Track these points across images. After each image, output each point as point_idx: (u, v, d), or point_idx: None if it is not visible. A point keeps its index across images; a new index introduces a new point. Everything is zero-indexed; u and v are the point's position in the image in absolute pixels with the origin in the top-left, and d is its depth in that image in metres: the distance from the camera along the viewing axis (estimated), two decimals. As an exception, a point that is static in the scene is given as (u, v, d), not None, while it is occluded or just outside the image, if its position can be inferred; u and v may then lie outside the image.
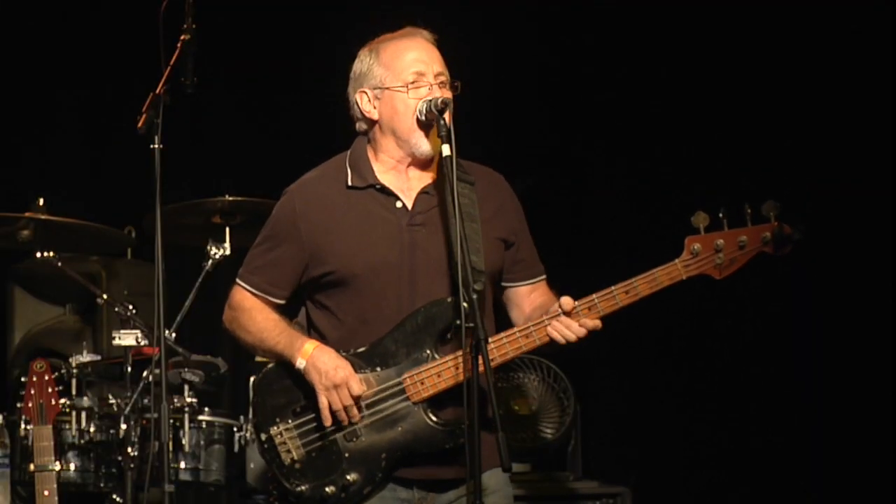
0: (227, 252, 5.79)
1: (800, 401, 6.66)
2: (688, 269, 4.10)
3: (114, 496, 5.59)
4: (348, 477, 4.05)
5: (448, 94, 4.10)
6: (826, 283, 6.56)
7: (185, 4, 4.28)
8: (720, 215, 4.11)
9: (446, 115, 3.99)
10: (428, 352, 4.06)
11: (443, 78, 4.12)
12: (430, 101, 4.05)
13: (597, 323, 4.05)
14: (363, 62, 4.19)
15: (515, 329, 4.11)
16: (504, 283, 4.26)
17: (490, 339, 4.03)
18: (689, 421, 6.87)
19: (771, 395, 6.73)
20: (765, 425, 6.75)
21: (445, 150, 3.94)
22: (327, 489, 4.06)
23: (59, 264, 5.80)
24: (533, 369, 6.07)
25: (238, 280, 4.24)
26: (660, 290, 4.09)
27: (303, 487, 4.08)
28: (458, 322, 3.92)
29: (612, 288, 4.08)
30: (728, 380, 6.80)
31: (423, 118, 4.08)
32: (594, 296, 4.07)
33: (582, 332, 4.04)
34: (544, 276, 4.30)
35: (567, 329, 4.04)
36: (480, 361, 3.82)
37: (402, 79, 4.11)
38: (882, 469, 6.45)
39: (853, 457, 6.52)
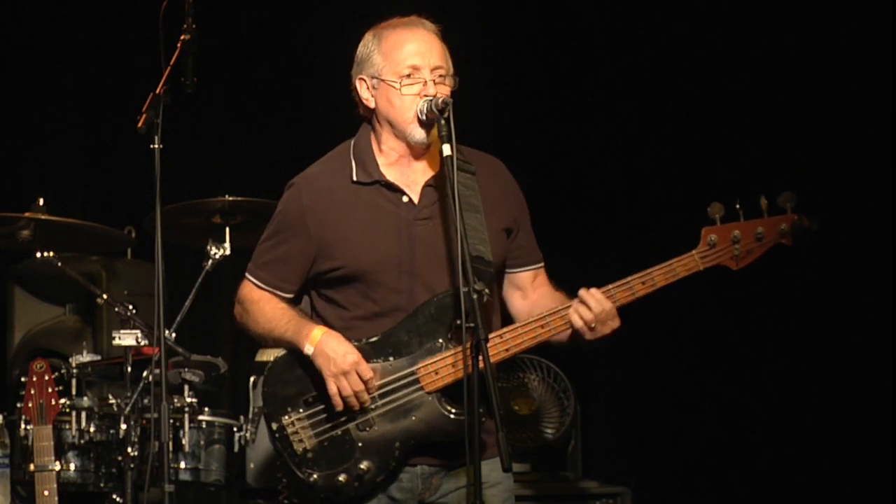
0: (227, 252, 5.78)
1: (801, 401, 6.65)
2: (705, 261, 4.11)
3: (114, 496, 5.59)
4: (361, 466, 4.06)
5: (445, 90, 4.10)
6: (831, 283, 6.54)
7: (185, 4, 4.28)
8: (736, 206, 4.12)
9: (446, 115, 4.00)
10: (441, 341, 4.07)
11: (441, 71, 4.12)
12: (431, 100, 4.05)
13: (614, 310, 4.06)
14: (366, 47, 4.18)
15: (531, 318, 4.12)
16: (507, 270, 4.28)
17: (506, 329, 4.09)
18: (690, 421, 6.87)
19: (771, 395, 6.73)
20: (765, 425, 6.75)
21: (446, 150, 3.95)
22: (340, 478, 4.06)
23: (59, 264, 5.80)
24: (533, 369, 6.07)
25: (247, 274, 4.25)
26: (676, 282, 4.09)
27: (315, 476, 4.08)
28: (458, 322, 3.94)
29: (629, 278, 4.09)
30: (728, 380, 6.79)
31: (424, 118, 4.09)
32: (611, 286, 4.09)
33: (607, 304, 4.04)
34: (543, 264, 4.32)
35: (584, 304, 4.04)
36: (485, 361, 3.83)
37: (397, 71, 4.11)
38: (883, 470, 6.44)
39: (855, 458, 6.51)
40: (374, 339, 4.10)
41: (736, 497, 6.78)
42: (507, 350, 4.09)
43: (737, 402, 6.79)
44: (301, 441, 4.11)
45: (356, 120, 4.29)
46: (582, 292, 4.08)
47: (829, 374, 6.58)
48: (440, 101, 4.02)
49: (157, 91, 4.19)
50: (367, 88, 4.18)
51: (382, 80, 4.13)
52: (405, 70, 4.10)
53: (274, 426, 4.13)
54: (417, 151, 4.18)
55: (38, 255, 5.78)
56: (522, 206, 4.29)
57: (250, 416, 5.72)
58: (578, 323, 4.07)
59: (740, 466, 6.78)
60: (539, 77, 7.08)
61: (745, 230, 4.12)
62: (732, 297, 6.67)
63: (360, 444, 4.08)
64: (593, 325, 4.06)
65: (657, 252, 4.14)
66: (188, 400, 5.66)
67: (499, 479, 4.10)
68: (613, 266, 4.22)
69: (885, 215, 6.43)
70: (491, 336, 4.01)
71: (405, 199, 4.15)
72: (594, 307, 4.06)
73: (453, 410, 4.05)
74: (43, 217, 5.63)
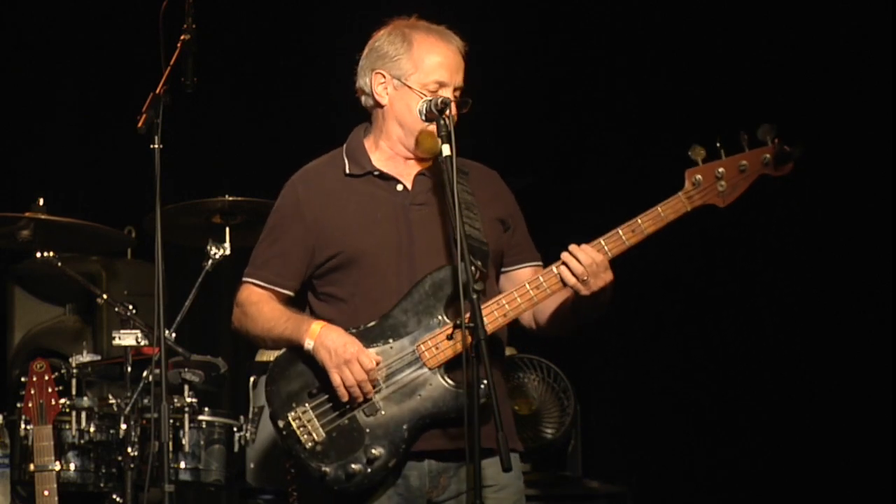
0: (227, 252, 5.79)
1: (802, 402, 6.65)
2: (691, 200, 4.09)
3: (114, 496, 5.59)
4: (373, 451, 4.05)
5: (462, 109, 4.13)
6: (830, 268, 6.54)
7: (185, 4, 4.28)
8: (717, 145, 4.11)
9: (446, 115, 4.00)
10: (439, 317, 4.07)
11: (458, 93, 4.16)
12: (431, 100, 4.06)
13: (605, 261, 4.03)
14: (394, 45, 4.18)
15: (525, 282, 4.10)
16: (504, 269, 4.28)
17: (502, 295, 4.08)
18: (690, 421, 6.88)
19: (772, 395, 6.73)
20: (766, 425, 6.75)
21: (445, 150, 3.96)
22: (353, 466, 4.05)
23: (59, 264, 5.80)
24: (533, 369, 6.07)
25: (245, 278, 4.25)
26: (665, 226, 4.06)
27: (327, 468, 4.07)
28: (458, 322, 3.94)
29: (617, 228, 4.07)
30: (728, 379, 6.80)
31: (424, 118, 4.09)
32: (600, 238, 4.06)
33: (598, 256, 4.01)
34: (541, 263, 4.30)
35: (574, 258, 4.01)
36: (490, 362, 3.83)
37: (425, 83, 4.12)
38: (882, 470, 6.44)
39: (856, 458, 6.51)
40: (371, 324, 4.10)
41: (736, 497, 6.79)
42: (504, 316, 4.07)
43: (737, 402, 6.80)
44: (309, 434, 4.09)
45: (356, 120, 4.29)
46: (571, 247, 4.05)
47: (832, 374, 6.58)
48: (440, 101, 4.04)
49: (157, 91, 4.20)
50: (384, 85, 4.18)
51: (407, 86, 4.14)
52: (432, 85, 4.12)
53: (280, 423, 4.13)
54: (416, 157, 4.21)
55: (38, 255, 5.78)
56: (516, 208, 4.31)
57: (250, 416, 5.72)
58: (570, 278, 4.03)
59: (741, 466, 6.78)
60: (519, 36, 7.05)
61: (728, 166, 4.11)
62: (732, 298, 6.68)
63: (368, 430, 4.07)
64: (585, 277, 4.02)
65: (645, 206, 4.12)
66: (188, 400, 5.66)
67: (508, 482, 4.10)
68: (602, 226, 4.17)
69: (875, 148, 6.40)
70: (488, 304, 4.03)
71: (399, 186, 4.18)
72: (584, 259, 4.02)
73: (454, 383, 4.05)
74: (43, 217, 5.63)
